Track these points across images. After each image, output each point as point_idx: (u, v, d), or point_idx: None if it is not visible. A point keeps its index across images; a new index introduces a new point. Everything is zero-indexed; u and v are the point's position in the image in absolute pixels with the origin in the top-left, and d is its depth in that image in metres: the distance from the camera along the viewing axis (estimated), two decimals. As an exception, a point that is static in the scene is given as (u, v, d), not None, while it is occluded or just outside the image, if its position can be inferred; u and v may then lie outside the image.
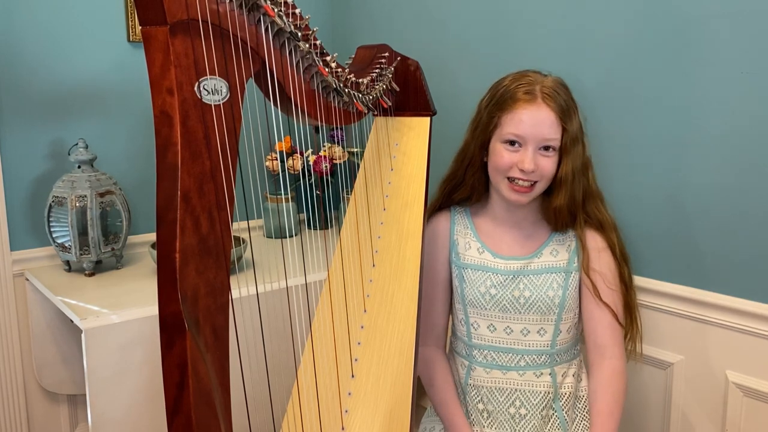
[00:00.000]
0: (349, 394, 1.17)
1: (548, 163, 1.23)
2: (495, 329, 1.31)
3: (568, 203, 1.26)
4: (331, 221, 2.10)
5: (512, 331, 1.30)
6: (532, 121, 1.20)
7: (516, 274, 1.30)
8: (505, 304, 1.30)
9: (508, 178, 1.24)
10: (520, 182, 1.23)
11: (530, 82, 1.23)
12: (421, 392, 1.56)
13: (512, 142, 1.23)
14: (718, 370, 1.34)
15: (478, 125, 1.29)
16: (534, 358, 1.29)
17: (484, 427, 1.31)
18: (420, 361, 1.37)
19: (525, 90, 1.22)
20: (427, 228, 1.37)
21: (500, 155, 1.24)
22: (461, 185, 1.35)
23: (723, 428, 1.34)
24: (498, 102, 1.25)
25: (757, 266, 1.27)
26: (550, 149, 1.22)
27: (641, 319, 1.35)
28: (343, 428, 1.13)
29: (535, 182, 1.24)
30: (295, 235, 2.00)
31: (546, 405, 1.29)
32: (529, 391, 1.29)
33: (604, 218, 1.30)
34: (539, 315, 1.29)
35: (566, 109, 1.22)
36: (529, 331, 1.29)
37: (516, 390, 1.30)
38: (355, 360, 1.21)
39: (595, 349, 1.30)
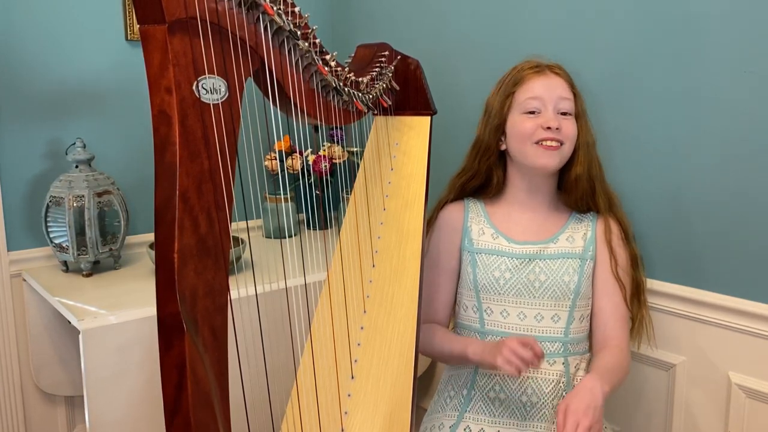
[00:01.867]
0: (349, 395, 1.17)
1: (570, 125, 1.28)
2: (508, 314, 1.31)
3: (588, 173, 1.30)
4: (330, 221, 2.09)
5: (526, 316, 1.30)
6: (546, 88, 1.28)
7: (531, 258, 1.31)
8: (519, 288, 1.30)
9: (536, 143, 1.27)
10: (548, 142, 1.26)
11: (536, 62, 1.32)
12: (421, 393, 1.55)
13: (531, 112, 1.28)
14: (721, 372, 1.34)
15: (489, 115, 1.34)
16: (547, 345, 1.29)
17: (494, 416, 1.30)
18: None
19: (532, 66, 1.31)
20: (438, 217, 1.41)
21: (522, 124, 1.28)
22: (475, 176, 1.38)
23: (726, 430, 1.34)
24: (508, 85, 1.32)
25: (760, 267, 1.27)
26: (568, 114, 1.28)
27: (648, 312, 1.37)
28: (342, 430, 1.13)
29: (562, 143, 1.27)
30: (295, 235, 1.99)
31: (557, 395, 1.28)
32: (541, 379, 1.28)
33: (613, 193, 1.35)
34: (554, 300, 1.29)
35: (572, 80, 1.31)
36: (543, 317, 1.29)
37: (528, 377, 1.29)
38: (355, 361, 1.20)
39: (602, 341, 1.31)
